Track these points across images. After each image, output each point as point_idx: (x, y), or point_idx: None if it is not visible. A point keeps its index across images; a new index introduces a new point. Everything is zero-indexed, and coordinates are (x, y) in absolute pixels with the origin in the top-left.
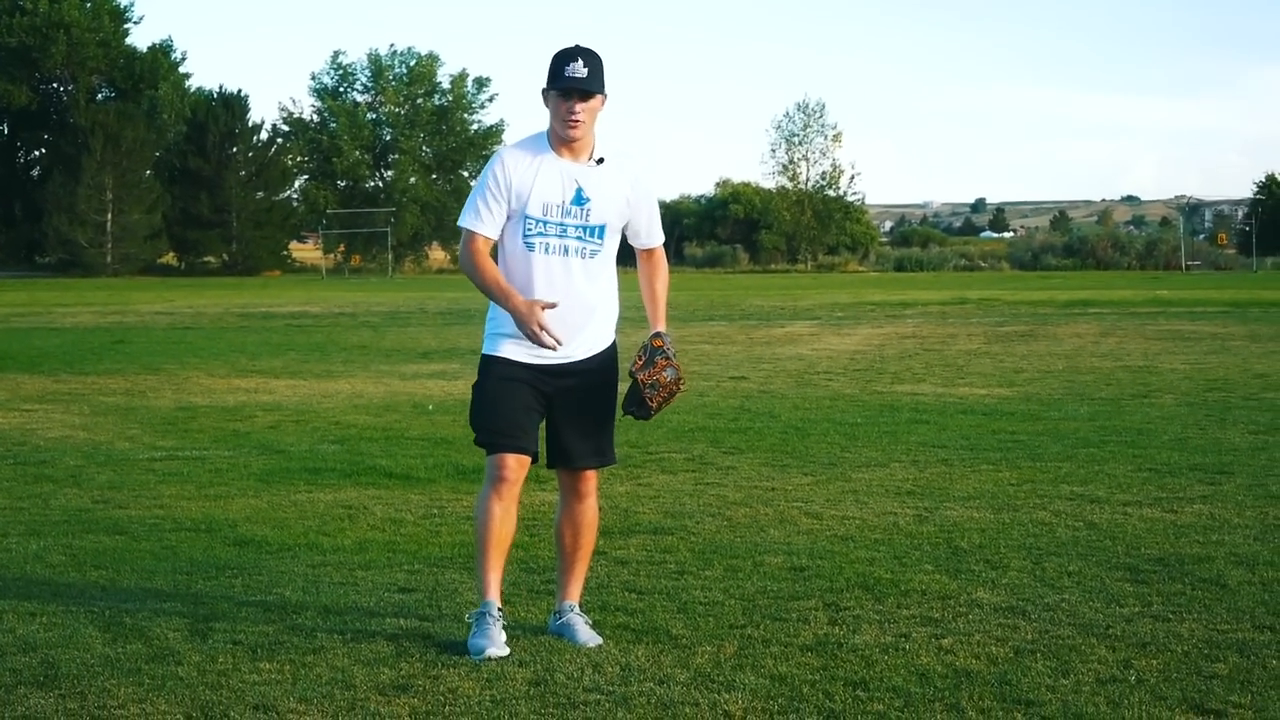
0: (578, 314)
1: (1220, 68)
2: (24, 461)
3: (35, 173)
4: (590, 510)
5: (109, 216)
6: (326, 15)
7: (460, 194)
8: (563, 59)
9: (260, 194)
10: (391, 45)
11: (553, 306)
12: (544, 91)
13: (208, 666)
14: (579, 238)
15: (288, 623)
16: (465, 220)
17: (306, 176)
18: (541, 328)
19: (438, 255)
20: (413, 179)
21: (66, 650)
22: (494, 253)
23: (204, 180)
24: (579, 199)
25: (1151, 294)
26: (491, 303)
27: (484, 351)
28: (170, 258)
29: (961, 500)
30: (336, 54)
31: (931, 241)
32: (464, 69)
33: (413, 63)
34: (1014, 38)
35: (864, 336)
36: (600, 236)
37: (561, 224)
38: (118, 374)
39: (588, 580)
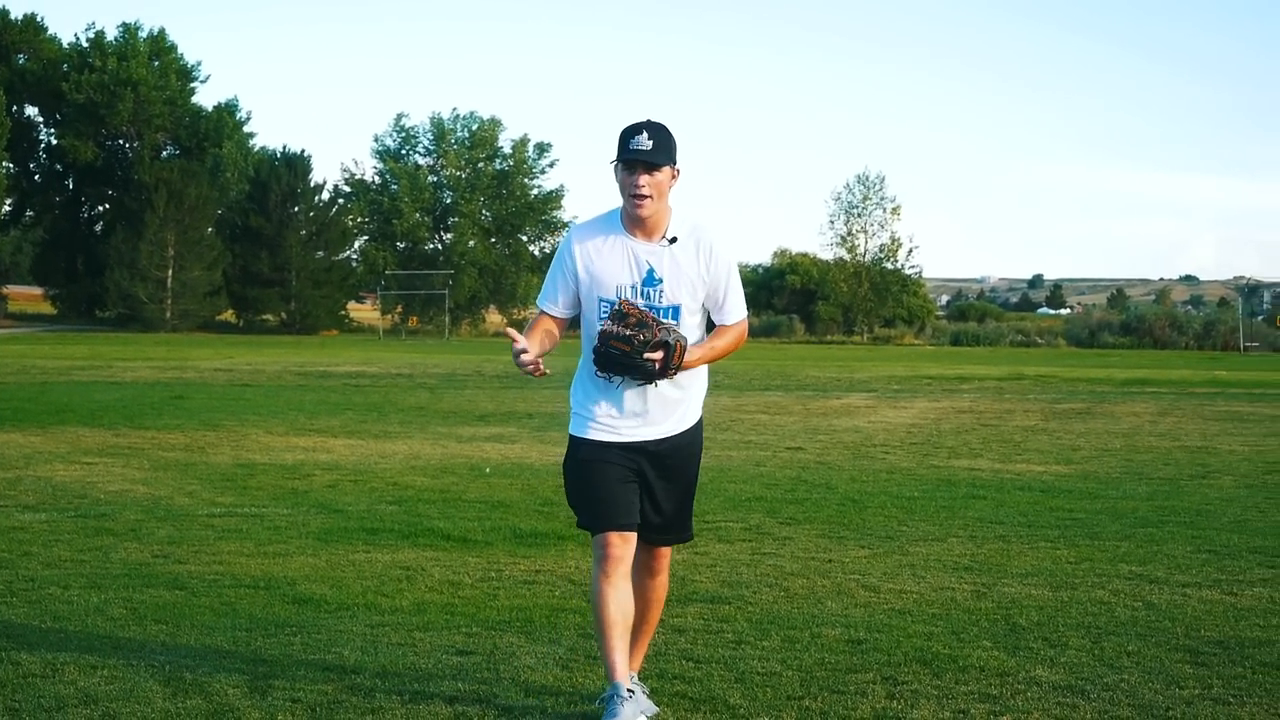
0: (651, 395)
1: None
2: (85, 514)
3: (98, 228)
4: (661, 586)
5: (170, 273)
6: (390, 79)
7: (518, 258)
8: (628, 132)
9: (320, 253)
10: (454, 109)
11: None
12: (614, 167)
13: None
14: None
15: (346, 682)
16: (539, 298)
17: (366, 237)
18: (520, 351)
19: (494, 318)
20: (471, 242)
21: (127, 704)
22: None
23: (264, 239)
24: (650, 280)
25: (1210, 374)
26: (575, 379)
27: (570, 431)
28: (229, 315)
29: (1019, 577)
30: (399, 116)
31: (988, 316)
32: (525, 134)
33: (475, 127)
34: (1074, 114)
35: (920, 410)
36: (674, 318)
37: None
38: (177, 429)
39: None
